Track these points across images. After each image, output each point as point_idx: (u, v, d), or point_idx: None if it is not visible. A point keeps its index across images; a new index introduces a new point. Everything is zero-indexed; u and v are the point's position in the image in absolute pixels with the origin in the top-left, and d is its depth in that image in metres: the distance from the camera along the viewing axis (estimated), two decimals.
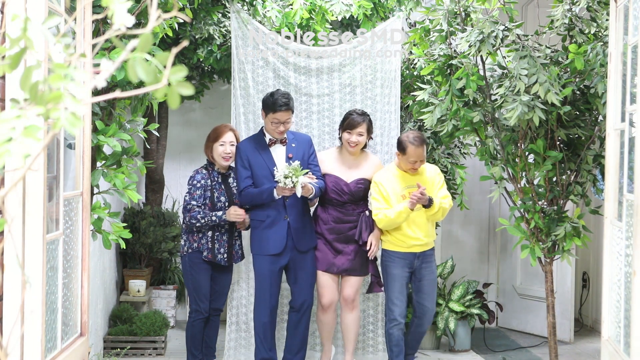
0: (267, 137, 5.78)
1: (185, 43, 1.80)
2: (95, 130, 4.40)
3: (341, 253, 5.82)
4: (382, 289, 5.91)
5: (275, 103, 5.61)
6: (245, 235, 6.16)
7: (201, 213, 5.64)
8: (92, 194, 4.35)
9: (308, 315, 5.84)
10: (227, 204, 5.76)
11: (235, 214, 5.65)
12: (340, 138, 5.92)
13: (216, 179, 5.80)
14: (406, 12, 6.49)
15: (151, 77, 1.64)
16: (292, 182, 5.33)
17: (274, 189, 5.55)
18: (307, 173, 5.46)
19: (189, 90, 1.64)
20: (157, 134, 6.33)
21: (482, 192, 7.76)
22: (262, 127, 5.86)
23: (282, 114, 5.62)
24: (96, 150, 4.56)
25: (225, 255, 5.76)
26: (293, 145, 5.81)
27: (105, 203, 4.66)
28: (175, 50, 1.65)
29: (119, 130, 4.53)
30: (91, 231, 4.20)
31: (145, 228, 7.53)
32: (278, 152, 5.79)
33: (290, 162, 5.62)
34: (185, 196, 5.75)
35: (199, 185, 5.72)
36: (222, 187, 5.81)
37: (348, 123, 5.81)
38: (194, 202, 5.67)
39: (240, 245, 5.93)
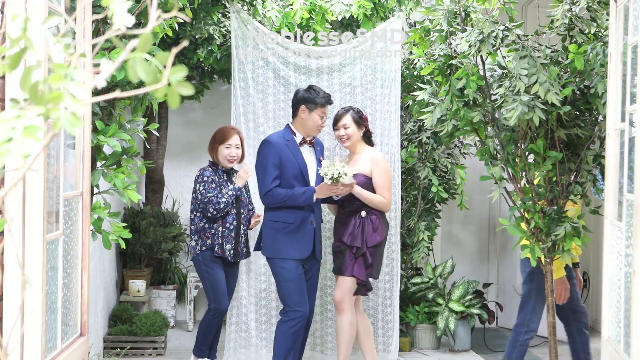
0: (299, 137, 5.64)
1: (185, 43, 1.80)
2: (95, 130, 4.40)
3: (334, 251, 5.76)
4: (368, 294, 5.86)
5: (325, 97, 5.57)
6: (251, 233, 6.21)
7: (217, 197, 5.70)
8: (92, 194, 4.35)
9: (308, 325, 5.73)
10: (233, 200, 5.79)
11: (244, 173, 5.80)
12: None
13: (222, 176, 5.84)
14: (406, 12, 6.49)
15: (151, 77, 1.64)
16: (343, 178, 5.30)
17: (313, 192, 5.44)
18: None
19: (189, 90, 1.64)
20: (157, 134, 6.34)
21: (482, 192, 7.77)
22: (287, 125, 5.72)
23: (326, 108, 5.64)
24: (96, 150, 4.56)
25: (232, 252, 5.78)
26: (317, 148, 5.79)
27: (105, 203, 4.66)
28: (175, 50, 1.65)
29: (119, 130, 4.53)
30: (91, 231, 4.20)
31: (145, 228, 7.53)
32: (307, 153, 5.67)
33: (321, 164, 5.54)
34: (199, 192, 5.76)
35: (210, 180, 5.76)
36: (229, 184, 5.85)
37: (333, 121, 5.80)
38: (210, 195, 5.70)
39: (246, 243, 5.93)
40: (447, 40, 5.30)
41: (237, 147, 5.84)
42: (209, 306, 5.87)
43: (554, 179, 5.13)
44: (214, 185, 5.74)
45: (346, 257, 5.62)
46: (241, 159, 5.95)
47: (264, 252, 5.64)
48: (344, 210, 5.73)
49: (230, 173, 5.94)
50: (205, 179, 5.76)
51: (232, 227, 5.79)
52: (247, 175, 5.81)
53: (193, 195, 5.85)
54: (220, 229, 5.76)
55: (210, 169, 5.85)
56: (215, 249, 5.75)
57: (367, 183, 5.65)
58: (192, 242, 5.85)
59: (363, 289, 5.69)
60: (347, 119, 5.69)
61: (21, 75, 1.65)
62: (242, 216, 5.86)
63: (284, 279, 5.49)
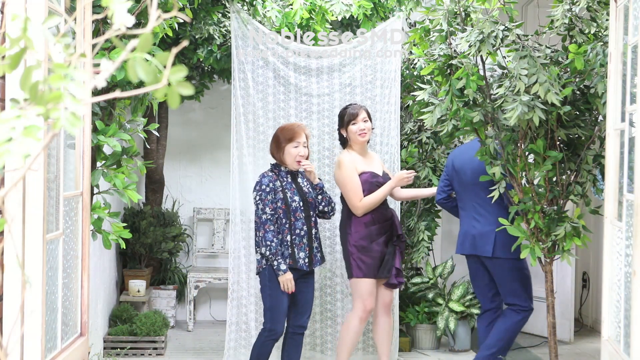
0: None
1: (185, 43, 1.80)
2: (95, 130, 4.41)
3: (386, 254, 5.66)
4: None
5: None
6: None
7: (274, 244, 5.23)
8: (92, 194, 4.36)
9: None
10: (301, 203, 5.38)
11: (310, 167, 5.47)
12: (343, 138, 5.76)
13: (285, 179, 5.41)
14: (406, 12, 6.50)
15: (151, 77, 1.64)
16: None
17: None
18: None
19: (189, 90, 1.64)
20: (157, 134, 6.34)
21: None
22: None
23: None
24: (96, 150, 4.56)
25: (307, 260, 5.37)
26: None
27: (105, 203, 4.66)
28: (175, 50, 1.65)
29: (119, 130, 4.53)
30: (91, 231, 4.21)
31: (145, 228, 7.53)
32: None
33: None
34: (258, 204, 5.30)
35: (268, 189, 5.29)
36: (294, 186, 5.42)
37: (349, 115, 5.68)
38: (268, 213, 5.26)
39: (319, 248, 5.53)
40: (447, 40, 5.30)
41: (305, 146, 5.43)
42: (264, 325, 5.39)
43: (554, 179, 5.13)
44: (270, 197, 5.27)
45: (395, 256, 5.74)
46: (307, 157, 5.53)
47: (505, 253, 5.48)
48: (384, 206, 5.78)
49: (294, 174, 5.48)
50: (263, 187, 5.31)
51: (302, 232, 5.36)
52: (311, 167, 5.47)
53: (254, 202, 5.38)
54: (288, 237, 5.31)
55: (272, 174, 5.40)
56: (287, 260, 5.29)
57: None
58: (257, 255, 5.36)
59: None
60: (365, 114, 5.71)
61: (21, 75, 1.65)
62: (313, 219, 5.46)
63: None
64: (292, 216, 5.33)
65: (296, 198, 5.36)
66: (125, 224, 4.83)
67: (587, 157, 5.04)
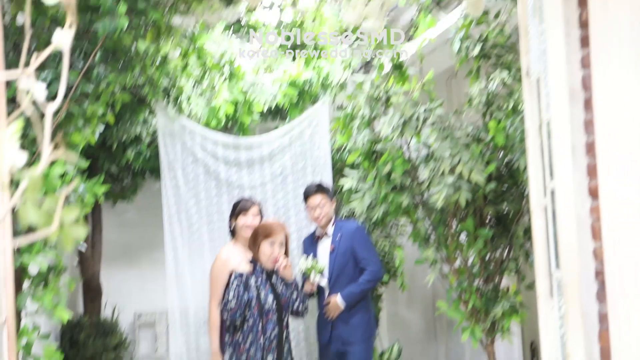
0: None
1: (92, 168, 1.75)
2: (18, 250, 4.28)
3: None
4: None
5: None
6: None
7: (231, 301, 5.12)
8: (20, 318, 4.21)
9: None
10: (274, 305, 5.23)
11: (284, 264, 5.34)
12: (231, 229, 5.76)
13: (260, 276, 5.29)
14: (331, 96, 6.53)
15: (43, 220, 1.59)
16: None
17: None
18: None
19: (82, 231, 1.59)
20: (84, 245, 6.17)
21: (423, 269, 7.72)
22: None
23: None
24: (21, 272, 4.42)
25: None
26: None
27: (34, 325, 4.49)
28: (65, 192, 1.60)
29: (44, 248, 4.41)
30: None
31: (84, 340, 7.28)
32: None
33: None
34: (229, 292, 5.17)
35: (240, 285, 5.18)
36: (267, 286, 5.28)
37: (240, 207, 5.69)
38: (232, 303, 5.12)
39: (290, 350, 5.36)
40: (371, 125, 5.33)
41: (281, 245, 5.35)
42: None
43: (486, 257, 5.12)
44: (240, 291, 5.16)
45: None
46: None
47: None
48: None
49: (270, 273, 5.34)
50: (237, 283, 5.20)
51: (273, 336, 5.19)
52: (285, 264, 5.32)
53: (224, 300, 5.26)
54: (261, 340, 5.14)
55: (249, 269, 5.29)
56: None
57: None
58: (226, 356, 5.23)
59: None
60: (257, 209, 5.68)
61: None
62: (285, 321, 5.31)
63: None
64: (264, 317, 5.18)
65: (269, 298, 5.23)
66: (61, 341, 4.66)
67: (517, 231, 5.04)
